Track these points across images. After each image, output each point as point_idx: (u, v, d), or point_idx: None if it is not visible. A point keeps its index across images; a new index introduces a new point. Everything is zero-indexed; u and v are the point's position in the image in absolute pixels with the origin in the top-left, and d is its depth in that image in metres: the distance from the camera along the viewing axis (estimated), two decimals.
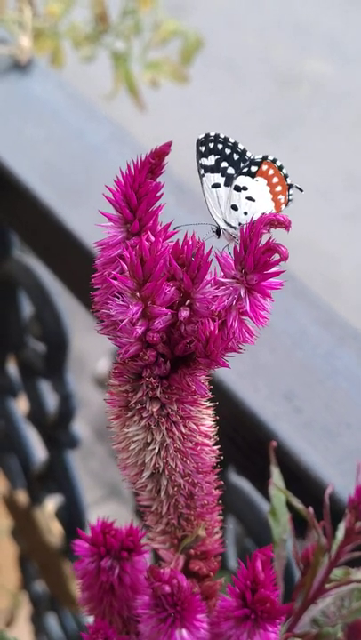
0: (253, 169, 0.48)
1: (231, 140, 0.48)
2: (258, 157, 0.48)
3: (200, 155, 0.47)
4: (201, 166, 0.48)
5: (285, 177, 0.48)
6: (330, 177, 3.47)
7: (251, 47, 4.10)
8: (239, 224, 0.48)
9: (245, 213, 0.48)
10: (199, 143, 0.48)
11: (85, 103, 1.05)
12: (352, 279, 3.07)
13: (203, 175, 0.48)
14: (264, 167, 0.48)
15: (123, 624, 0.52)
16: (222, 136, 0.47)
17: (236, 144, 0.48)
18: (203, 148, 0.48)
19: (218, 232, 0.48)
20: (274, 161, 0.48)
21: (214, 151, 0.47)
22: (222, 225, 0.48)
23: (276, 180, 0.48)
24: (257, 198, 0.48)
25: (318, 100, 3.85)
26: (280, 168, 0.48)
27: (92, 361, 2.77)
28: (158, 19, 1.21)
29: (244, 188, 0.48)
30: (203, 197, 0.49)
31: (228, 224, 0.48)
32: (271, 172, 0.48)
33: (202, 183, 0.48)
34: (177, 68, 1.21)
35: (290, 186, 0.48)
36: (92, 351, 2.75)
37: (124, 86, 1.22)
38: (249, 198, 0.48)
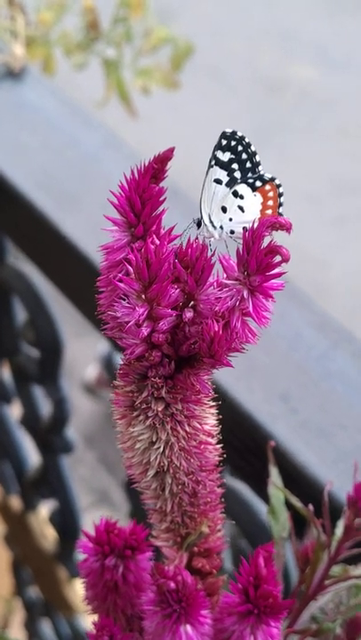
0: (258, 184, 0.49)
1: (252, 149, 0.48)
2: (267, 176, 0.49)
3: (218, 146, 0.48)
4: (214, 157, 0.48)
5: (280, 205, 0.49)
6: (316, 182, 3.49)
7: (236, 53, 4.12)
8: (220, 226, 0.49)
9: (230, 220, 0.49)
10: (223, 136, 0.48)
11: (79, 110, 1.06)
12: (341, 285, 3.09)
13: (211, 166, 0.48)
14: (267, 187, 0.49)
15: (126, 622, 0.53)
16: (246, 140, 0.48)
17: (254, 153, 0.48)
18: (224, 142, 0.48)
19: (199, 224, 0.49)
20: (278, 186, 0.49)
21: (232, 150, 0.48)
22: (206, 219, 0.49)
23: (270, 203, 0.49)
24: (247, 211, 0.49)
25: (304, 105, 3.87)
26: (280, 195, 0.49)
27: (80, 367, 2.78)
28: (149, 26, 1.22)
29: (241, 197, 0.49)
30: (197, 202, 0.50)
31: (211, 221, 0.49)
32: (271, 194, 0.49)
33: (207, 173, 0.49)
34: (168, 74, 1.22)
35: (279, 214, 0.49)
36: (80, 358, 2.76)
37: (115, 93, 1.23)
38: (240, 208, 0.49)
